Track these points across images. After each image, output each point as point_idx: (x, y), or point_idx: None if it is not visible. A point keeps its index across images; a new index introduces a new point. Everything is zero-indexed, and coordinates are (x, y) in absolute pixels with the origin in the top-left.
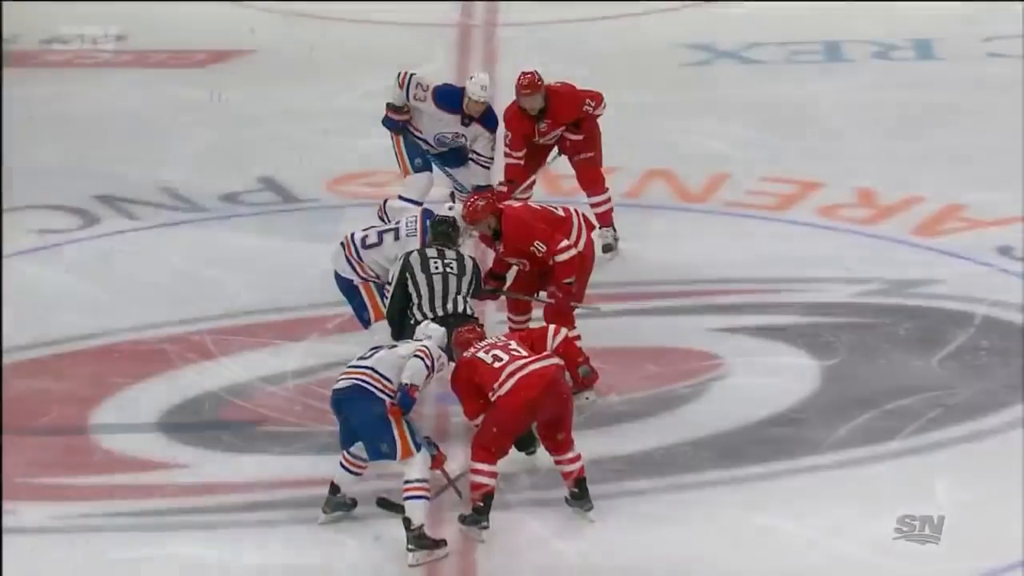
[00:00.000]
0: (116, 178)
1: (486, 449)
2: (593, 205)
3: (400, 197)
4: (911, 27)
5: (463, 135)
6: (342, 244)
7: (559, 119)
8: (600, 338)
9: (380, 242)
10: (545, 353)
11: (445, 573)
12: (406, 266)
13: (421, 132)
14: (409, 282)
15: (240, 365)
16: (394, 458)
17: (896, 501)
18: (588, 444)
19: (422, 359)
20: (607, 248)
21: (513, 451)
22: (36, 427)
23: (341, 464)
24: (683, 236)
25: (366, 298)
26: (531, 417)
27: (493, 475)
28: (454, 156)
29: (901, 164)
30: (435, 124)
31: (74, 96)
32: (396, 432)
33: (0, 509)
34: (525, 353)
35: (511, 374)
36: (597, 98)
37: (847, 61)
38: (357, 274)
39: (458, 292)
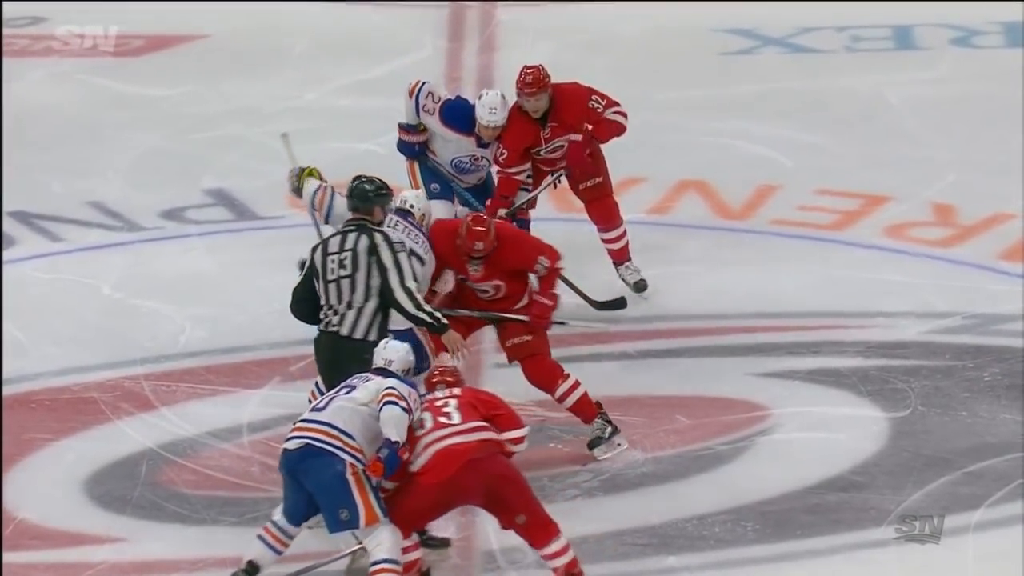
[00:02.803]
0: (35, 191)
1: (402, 524)
2: (607, 241)
3: None
4: (997, 8)
5: (484, 158)
6: None
7: (566, 122)
8: (621, 384)
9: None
10: (473, 425)
11: None
12: (311, 266)
13: (437, 156)
14: (317, 285)
15: (185, 418)
16: (356, 526)
17: None
18: (607, 512)
19: (395, 404)
20: (640, 287)
21: None
22: None
23: (260, 536)
24: (721, 261)
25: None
26: (450, 499)
27: (416, 546)
28: (481, 188)
29: (986, 174)
30: (449, 147)
31: None
32: (357, 495)
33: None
34: (454, 421)
35: (427, 446)
36: (607, 98)
37: (920, 49)
38: None
39: (350, 305)
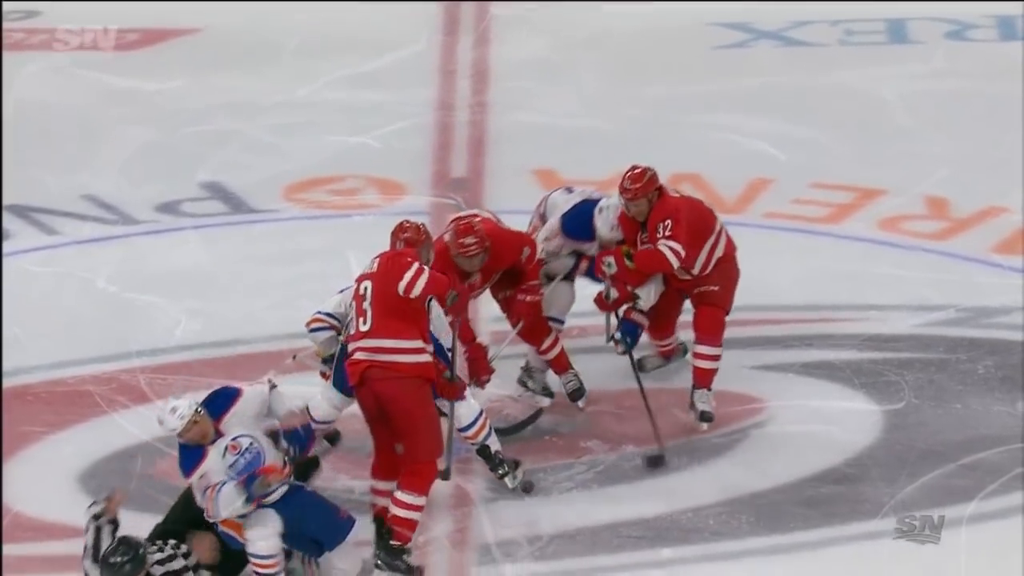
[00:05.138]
0: (30, 185)
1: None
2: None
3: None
4: (991, 2)
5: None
6: None
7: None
8: (617, 379)
9: None
10: (378, 345)
11: None
12: None
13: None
14: None
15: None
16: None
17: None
18: (601, 504)
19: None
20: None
21: (515, 514)
22: None
23: None
24: None
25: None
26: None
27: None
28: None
29: (980, 168)
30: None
31: None
32: None
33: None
34: (363, 329)
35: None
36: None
37: (914, 43)
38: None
39: None
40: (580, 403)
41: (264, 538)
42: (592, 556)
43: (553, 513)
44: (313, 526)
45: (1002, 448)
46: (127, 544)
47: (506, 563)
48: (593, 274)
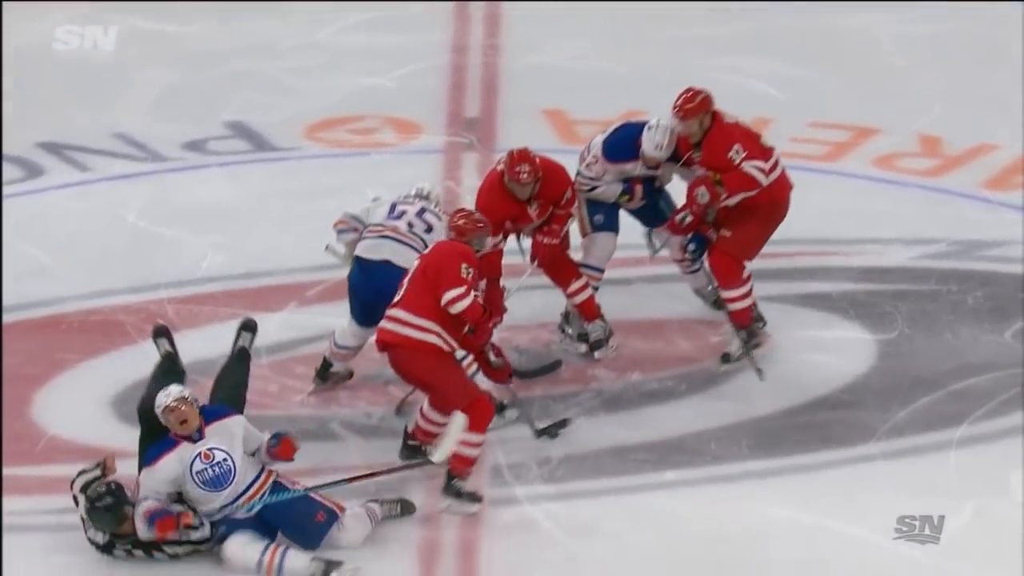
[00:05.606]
0: (63, 123)
1: None
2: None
3: (581, 264)
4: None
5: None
6: (387, 237)
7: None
8: (623, 309)
9: (431, 228)
10: (403, 318)
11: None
12: None
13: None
14: None
15: (206, 339)
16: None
17: (963, 496)
18: (608, 430)
19: None
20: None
21: (525, 439)
22: None
23: None
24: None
25: None
26: None
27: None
28: (651, 207)
29: (972, 107)
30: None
31: (12, 29)
32: None
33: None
34: (396, 299)
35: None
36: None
37: None
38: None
39: None
40: (597, 354)
41: (232, 552)
42: (598, 478)
43: (561, 438)
44: (288, 532)
45: (990, 375)
46: (111, 491)
47: (517, 485)
48: (643, 213)
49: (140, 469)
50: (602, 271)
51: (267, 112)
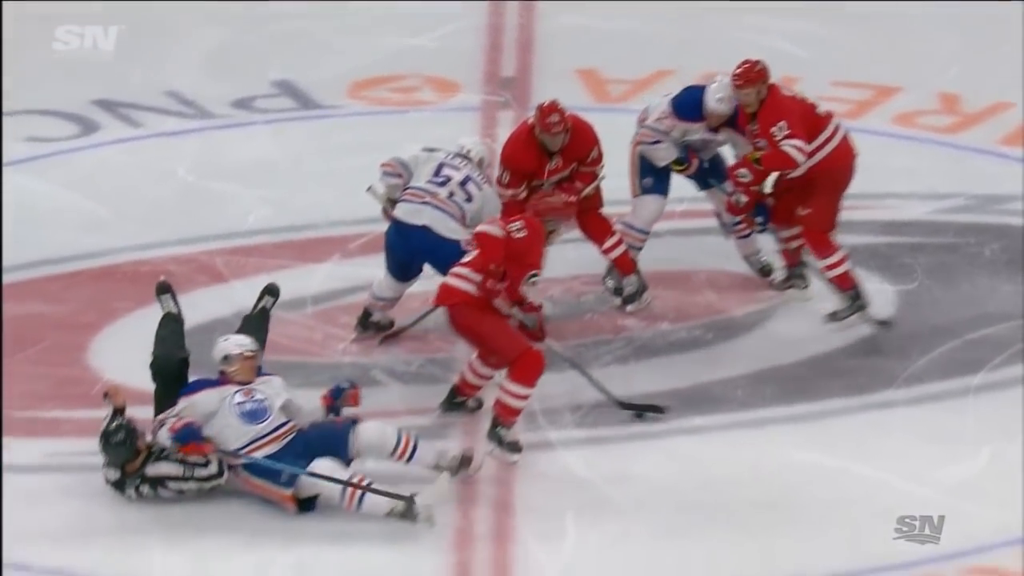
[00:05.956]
0: (116, 81)
1: None
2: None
3: (623, 223)
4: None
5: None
6: (427, 203)
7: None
8: (652, 260)
9: (471, 198)
10: (465, 274)
11: (482, 516)
12: None
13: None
14: None
15: (254, 289)
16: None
17: (979, 441)
18: (637, 377)
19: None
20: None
21: (558, 385)
22: (31, 355)
23: None
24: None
25: None
26: None
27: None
28: (712, 169)
29: (990, 66)
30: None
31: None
32: None
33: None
34: (463, 259)
35: None
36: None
37: None
38: (466, 230)
39: None
40: (629, 308)
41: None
42: (628, 424)
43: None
44: (320, 446)
45: (1007, 324)
46: (123, 427)
47: (551, 429)
48: (699, 177)
49: (158, 418)
50: (646, 233)
51: (312, 71)
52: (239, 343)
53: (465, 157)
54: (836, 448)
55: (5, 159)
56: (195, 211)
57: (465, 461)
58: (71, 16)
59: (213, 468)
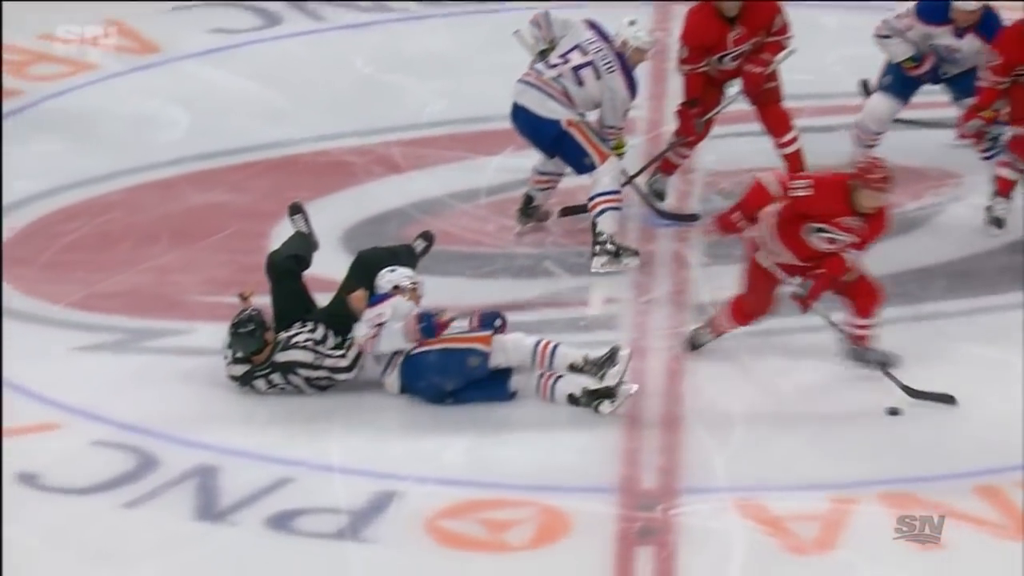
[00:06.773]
0: None
1: None
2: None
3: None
4: None
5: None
6: (530, 83)
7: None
8: (821, 157)
9: (582, 83)
10: None
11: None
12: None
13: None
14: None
15: (430, 180)
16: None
17: None
18: None
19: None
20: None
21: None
22: (214, 243)
23: None
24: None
25: (582, 141)
26: None
27: None
28: (963, 77)
29: None
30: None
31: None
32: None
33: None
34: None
35: None
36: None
37: None
38: (571, 110)
39: None
40: None
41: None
42: (796, 317)
43: None
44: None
45: None
46: (252, 318)
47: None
48: (932, 78)
49: (277, 327)
50: (880, 134)
51: None
52: (407, 275)
53: (608, 41)
54: (1003, 342)
55: (189, 51)
56: (373, 103)
57: (611, 357)
58: None
59: (345, 362)
